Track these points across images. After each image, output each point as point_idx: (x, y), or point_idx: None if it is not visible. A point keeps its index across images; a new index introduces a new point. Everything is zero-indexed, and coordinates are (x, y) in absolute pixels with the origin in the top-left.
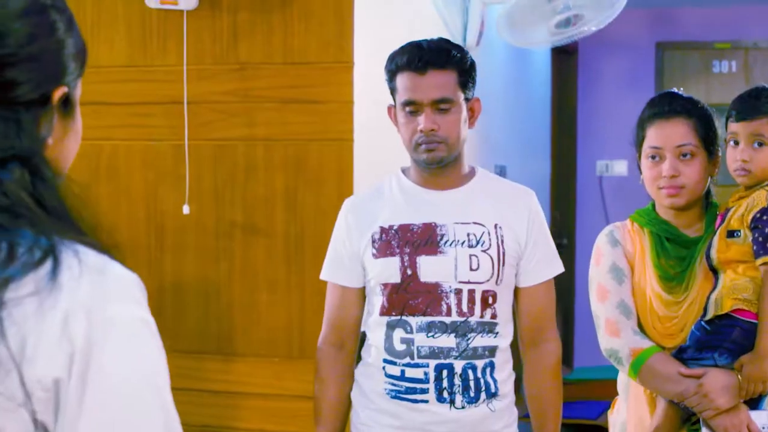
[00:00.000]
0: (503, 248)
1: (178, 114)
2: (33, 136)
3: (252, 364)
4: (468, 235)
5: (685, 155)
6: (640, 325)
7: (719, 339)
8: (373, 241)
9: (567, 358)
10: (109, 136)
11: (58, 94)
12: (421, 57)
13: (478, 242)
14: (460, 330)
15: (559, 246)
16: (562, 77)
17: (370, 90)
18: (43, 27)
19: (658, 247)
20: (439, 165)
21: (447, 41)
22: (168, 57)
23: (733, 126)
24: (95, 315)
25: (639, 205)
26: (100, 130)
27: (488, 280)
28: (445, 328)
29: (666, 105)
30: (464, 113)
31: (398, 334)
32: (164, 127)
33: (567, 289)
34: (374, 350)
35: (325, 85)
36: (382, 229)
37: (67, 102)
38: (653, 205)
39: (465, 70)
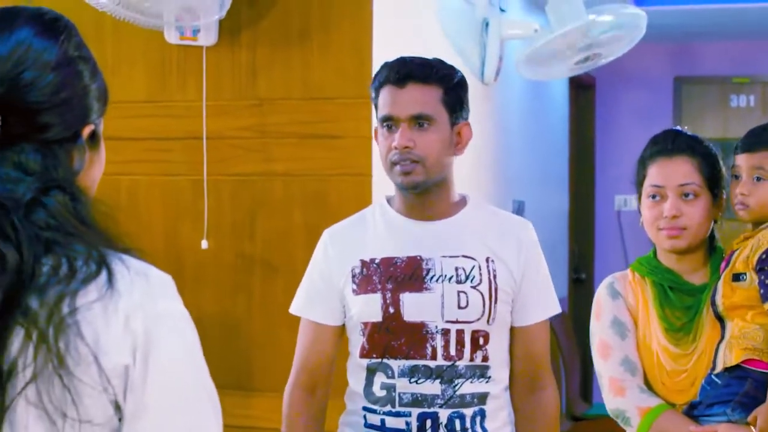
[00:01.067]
0: (495, 284)
1: (197, 149)
2: (67, 167)
3: (272, 399)
4: (456, 269)
5: (687, 195)
6: (647, 382)
7: (731, 393)
8: (353, 276)
9: (586, 393)
10: (128, 171)
11: (86, 131)
12: (401, 70)
13: (467, 277)
14: (446, 375)
15: (577, 280)
16: (580, 111)
17: None
18: (71, 77)
19: (661, 297)
20: (416, 190)
21: (439, 60)
22: (187, 92)
23: (737, 158)
24: (148, 312)
25: None
26: (120, 165)
27: (478, 319)
28: (429, 373)
29: (669, 143)
30: (448, 135)
31: (379, 378)
32: (183, 163)
33: (585, 323)
34: (355, 396)
35: (343, 120)
36: (363, 263)
37: (93, 136)
38: (654, 252)
39: (450, 88)
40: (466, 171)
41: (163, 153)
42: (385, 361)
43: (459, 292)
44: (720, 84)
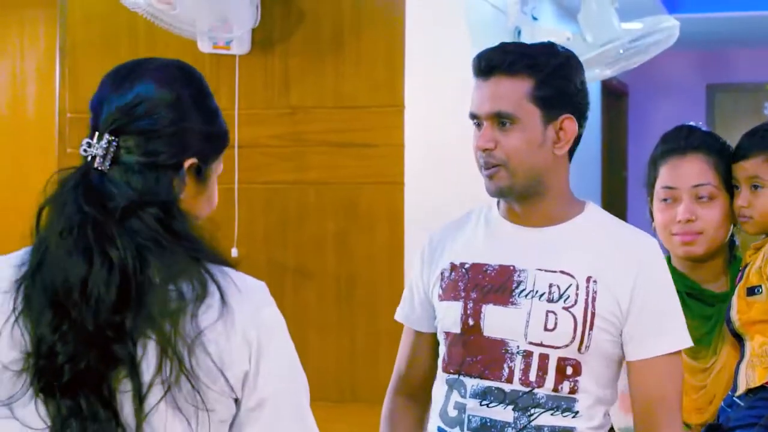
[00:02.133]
0: (593, 308)
1: (229, 157)
2: (168, 190)
3: None
4: (550, 286)
5: (702, 197)
6: None
7: (755, 415)
8: (442, 280)
9: None
10: None
11: (187, 163)
12: (486, 59)
13: (560, 296)
14: (521, 402)
15: None
16: (612, 120)
17: (422, 133)
18: (179, 116)
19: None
20: (503, 197)
21: (543, 45)
22: (220, 101)
23: (734, 169)
24: (257, 322)
25: None
26: None
27: (567, 345)
28: (502, 397)
29: (681, 140)
30: (538, 134)
31: (454, 397)
32: None
33: None
34: (434, 413)
35: (376, 129)
36: (453, 267)
37: (200, 172)
38: (669, 258)
39: (544, 79)
40: None
41: None
42: (461, 378)
43: (548, 311)
44: (753, 91)
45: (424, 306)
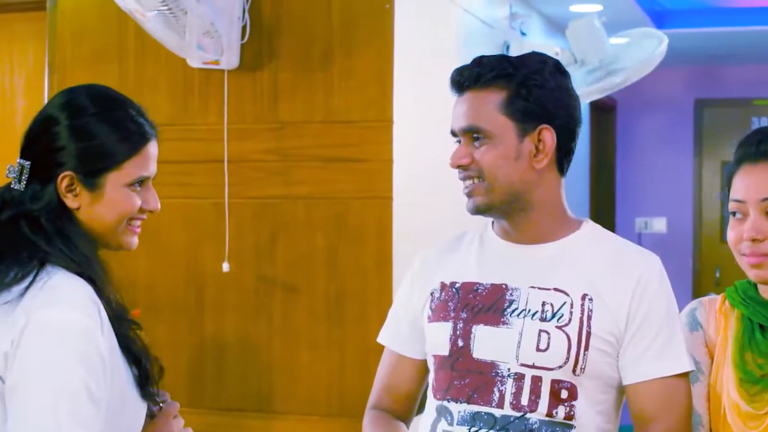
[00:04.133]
0: (589, 327)
1: (219, 172)
2: (41, 201)
3: (292, 422)
4: (543, 304)
5: None
6: None
7: None
8: (432, 300)
9: None
10: None
11: (60, 178)
12: (458, 75)
13: (554, 315)
14: (513, 429)
15: None
16: (600, 134)
17: (411, 148)
18: (48, 136)
19: (746, 336)
20: (483, 215)
21: (523, 55)
22: (209, 116)
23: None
24: (35, 314)
25: (679, 263)
26: None
27: (560, 367)
28: (492, 423)
29: (753, 146)
30: (513, 148)
31: (441, 425)
32: (204, 186)
33: None
34: None
35: (365, 144)
36: (443, 286)
37: (88, 183)
38: (751, 283)
39: (517, 90)
40: None
41: (185, 176)
42: (447, 403)
43: (541, 331)
44: (741, 106)
45: (411, 329)
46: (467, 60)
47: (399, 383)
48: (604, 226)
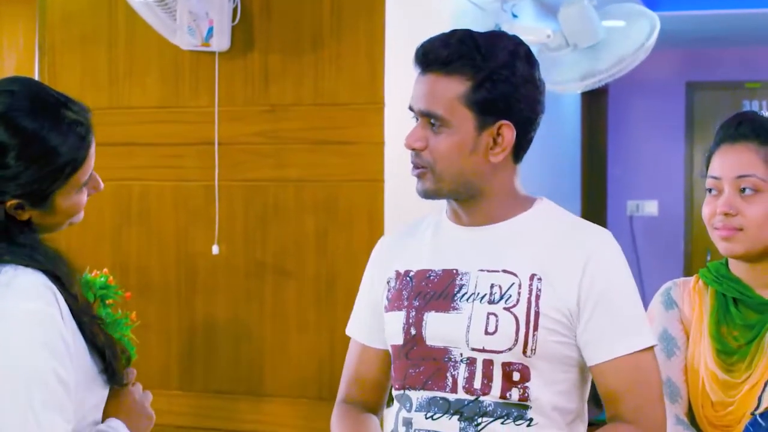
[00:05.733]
0: (537, 307)
1: (209, 155)
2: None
3: (282, 404)
4: (492, 286)
5: (744, 189)
6: (690, 412)
7: None
8: (388, 290)
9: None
10: (140, 177)
11: (8, 204)
12: (425, 50)
13: (501, 297)
14: (467, 412)
15: None
16: (592, 117)
17: (402, 131)
18: None
19: (721, 311)
20: (429, 199)
21: (492, 37)
22: (200, 98)
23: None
24: None
25: (670, 246)
26: (132, 170)
27: (510, 349)
28: (447, 408)
29: (733, 127)
30: (469, 140)
31: (402, 413)
32: (195, 168)
33: None
34: None
35: (356, 127)
36: (398, 275)
37: (41, 203)
38: (726, 260)
39: (482, 81)
40: None
41: (176, 159)
42: (406, 392)
43: (489, 314)
44: (732, 89)
45: (373, 319)
46: None
47: (366, 374)
48: (595, 210)
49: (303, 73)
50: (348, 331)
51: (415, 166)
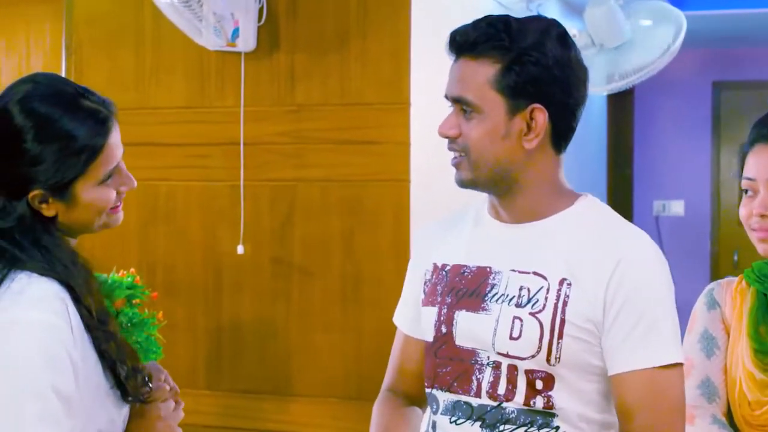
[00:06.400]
0: (563, 314)
1: (235, 155)
2: (13, 216)
3: (309, 404)
4: (521, 289)
5: None
6: (730, 412)
7: None
8: (425, 282)
9: None
10: (166, 177)
11: (31, 195)
12: (454, 36)
13: (529, 300)
14: (489, 418)
15: None
16: (618, 117)
17: (427, 131)
18: (12, 152)
19: (760, 311)
20: (466, 188)
21: (523, 21)
22: (225, 98)
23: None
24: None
25: (696, 246)
26: (157, 170)
27: (533, 356)
28: (470, 413)
29: (766, 127)
30: (501, 125)
31: (429, 414)
32: (221, 168)
33: None
34: None
35: (381, 126)
36: (435, 268)
37: (60, 194)
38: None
39: (512, 64)
40: None
41: (201, 159)
42: (433, 391)
43: (515, 317)
44: (759, 89)
45: (414, 309)
46: None
47: (408, 364)
48: (621, 210)
49: (328, 73)
50: (394, 319)
51: (452, 153)
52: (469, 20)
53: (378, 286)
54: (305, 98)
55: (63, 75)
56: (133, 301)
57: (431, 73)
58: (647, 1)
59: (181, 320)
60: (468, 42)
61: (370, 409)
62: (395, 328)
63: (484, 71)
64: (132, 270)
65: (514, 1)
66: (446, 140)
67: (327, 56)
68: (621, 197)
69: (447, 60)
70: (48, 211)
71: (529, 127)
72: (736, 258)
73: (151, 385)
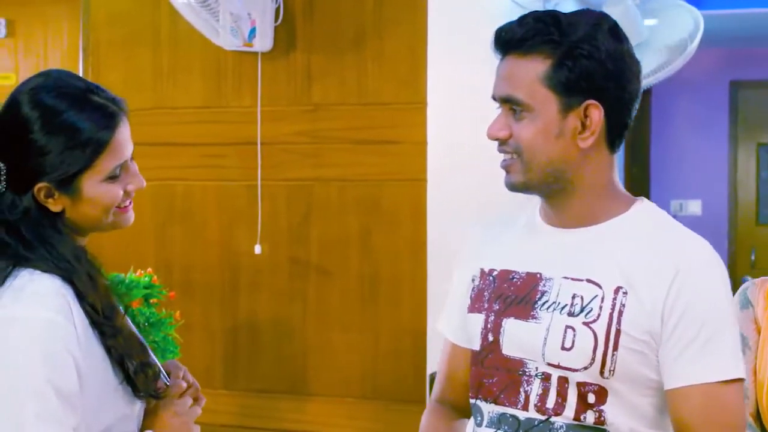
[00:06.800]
0: (619, 324)
1: (252, 155)
2: (19, 210)
3: (325, 403)
4: (573, 297)
5: None
6: (759, 414)
7: None
8: (472, 288)
9: None
10: (183, 177)
11: (36, 188)
12: (500, 32)
13: (582, 310)
14: None
15: None
16: (635, 117)
17: (444, 130)
18: (19, 144)
19: None
20: (517, 192)
21: (572, 15)
22: (242, 98)
23: None
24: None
25: (714, 246)
26: (175, 170)
27: (586, 368)
28: (516, 427)
29: None
30: (554, 124)
31: (473, 426)
32: (238, 168)
33: None
34: None
35: (398, 126)
36: (482, 273)
37: (65, 187)
38: None
39: (561, 60)
40: None
41: (219, 158)
42: (477, 402)
43: (567, 327)
44: None
45: (460, 316)
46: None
47: (455, 373)
48: None
49: (345, 72)
50: (439, 327)
51: (502, 156)
52: (485, 20)
53: (395, 285)
54: (322, 98)
55: (81, 75)
56: (151, 301)
57: (448, 72)
58: (664, 1)
59: (198, 320)
60: (515, 38)
61: (386, 409)
62: (413, 327)
63: (534, 68)
64: (149, 270)
65: (530, 0)
66: (464, 141)
67: (344, 56)
68: (638, 196)
69: (463, 59)
70: (54, 206)
71: (583, 125)
72: (753, 257)
73: (167, 381)
